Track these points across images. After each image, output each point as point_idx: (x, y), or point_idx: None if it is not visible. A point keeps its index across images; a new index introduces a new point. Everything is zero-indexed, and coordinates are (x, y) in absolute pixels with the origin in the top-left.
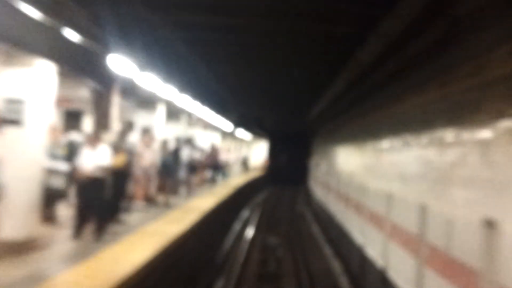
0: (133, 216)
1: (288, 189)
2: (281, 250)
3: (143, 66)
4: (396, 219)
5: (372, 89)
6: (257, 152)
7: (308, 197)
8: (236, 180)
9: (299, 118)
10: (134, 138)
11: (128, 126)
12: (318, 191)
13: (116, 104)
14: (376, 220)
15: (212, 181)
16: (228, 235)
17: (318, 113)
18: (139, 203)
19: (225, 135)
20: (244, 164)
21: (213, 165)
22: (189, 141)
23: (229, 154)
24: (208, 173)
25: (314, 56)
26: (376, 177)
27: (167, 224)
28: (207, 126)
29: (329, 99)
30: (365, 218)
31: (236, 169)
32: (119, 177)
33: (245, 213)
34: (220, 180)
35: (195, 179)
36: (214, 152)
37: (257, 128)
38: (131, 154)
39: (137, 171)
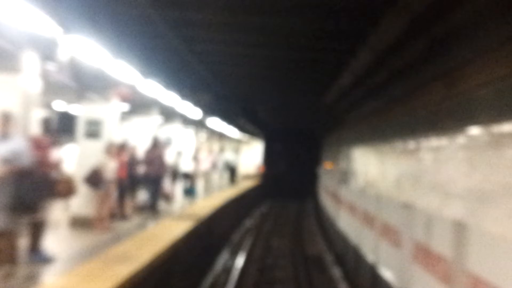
0: None
1: (291, 209)
2: None
3: None
4: None
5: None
6: (249, 156)
7: (324, 229)
8: (208, 201)
9: (307, 105)
10: None
11: None
12: (349, 229)
13: None
14: None
15: (152, 210)
16: None
17: (340, 94)
18: None
19: (196, 128)
20: (231, 172)
21: (156, 178)
22: None
23: (201, 157)
24: (142, 194)
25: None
26: None
27: None
28: (142, 105)
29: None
30: None
31: (216, 180)
32: None
33: (216, 268)
34: (181, 202)
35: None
36: (156, 152)
37: (247, 120)
38: None
39: None
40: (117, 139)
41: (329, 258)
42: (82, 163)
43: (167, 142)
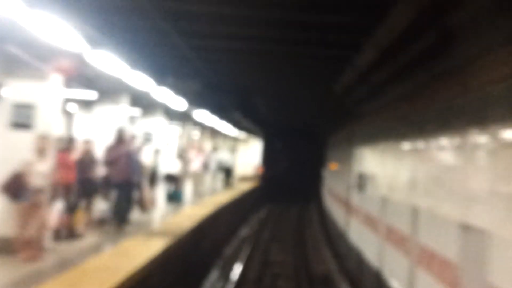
0: None
1: (292, 214)
2: None
3: None
4: None
5: None
6: (247, 155)
7: (331, 241)
8: (197, 208)
9: (313, 98)
10: None
11: None
12: (365, 246)
13: None
14: None
15: (118, 223)
16: None
17: (355, 79)
18: None
19: (182, 123)
20: (226, 173)
21: (122, 182)
22: None
23: (189, 157)
24: (102, 204)
25: None
26: None
27: None
28: (106, 90)
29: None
30: None
31: (208, 182)
32: None
33: None
34: (163, 211)
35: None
36: (121, 150)
37: (243, 115)
38: None
39: None
40: (59, 130)
41: (340, 280)
42: (6, 164)
43: (147, 138)
